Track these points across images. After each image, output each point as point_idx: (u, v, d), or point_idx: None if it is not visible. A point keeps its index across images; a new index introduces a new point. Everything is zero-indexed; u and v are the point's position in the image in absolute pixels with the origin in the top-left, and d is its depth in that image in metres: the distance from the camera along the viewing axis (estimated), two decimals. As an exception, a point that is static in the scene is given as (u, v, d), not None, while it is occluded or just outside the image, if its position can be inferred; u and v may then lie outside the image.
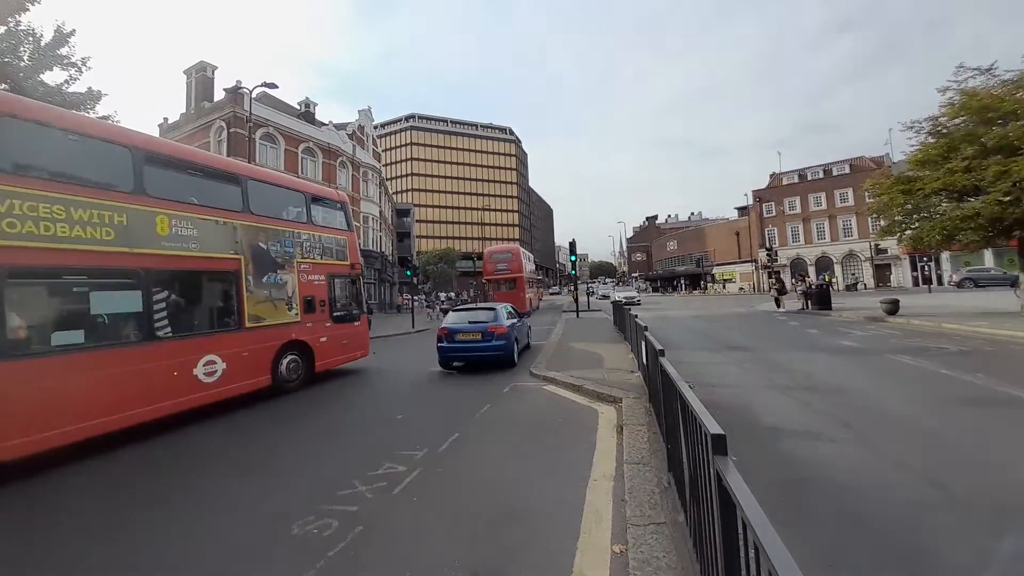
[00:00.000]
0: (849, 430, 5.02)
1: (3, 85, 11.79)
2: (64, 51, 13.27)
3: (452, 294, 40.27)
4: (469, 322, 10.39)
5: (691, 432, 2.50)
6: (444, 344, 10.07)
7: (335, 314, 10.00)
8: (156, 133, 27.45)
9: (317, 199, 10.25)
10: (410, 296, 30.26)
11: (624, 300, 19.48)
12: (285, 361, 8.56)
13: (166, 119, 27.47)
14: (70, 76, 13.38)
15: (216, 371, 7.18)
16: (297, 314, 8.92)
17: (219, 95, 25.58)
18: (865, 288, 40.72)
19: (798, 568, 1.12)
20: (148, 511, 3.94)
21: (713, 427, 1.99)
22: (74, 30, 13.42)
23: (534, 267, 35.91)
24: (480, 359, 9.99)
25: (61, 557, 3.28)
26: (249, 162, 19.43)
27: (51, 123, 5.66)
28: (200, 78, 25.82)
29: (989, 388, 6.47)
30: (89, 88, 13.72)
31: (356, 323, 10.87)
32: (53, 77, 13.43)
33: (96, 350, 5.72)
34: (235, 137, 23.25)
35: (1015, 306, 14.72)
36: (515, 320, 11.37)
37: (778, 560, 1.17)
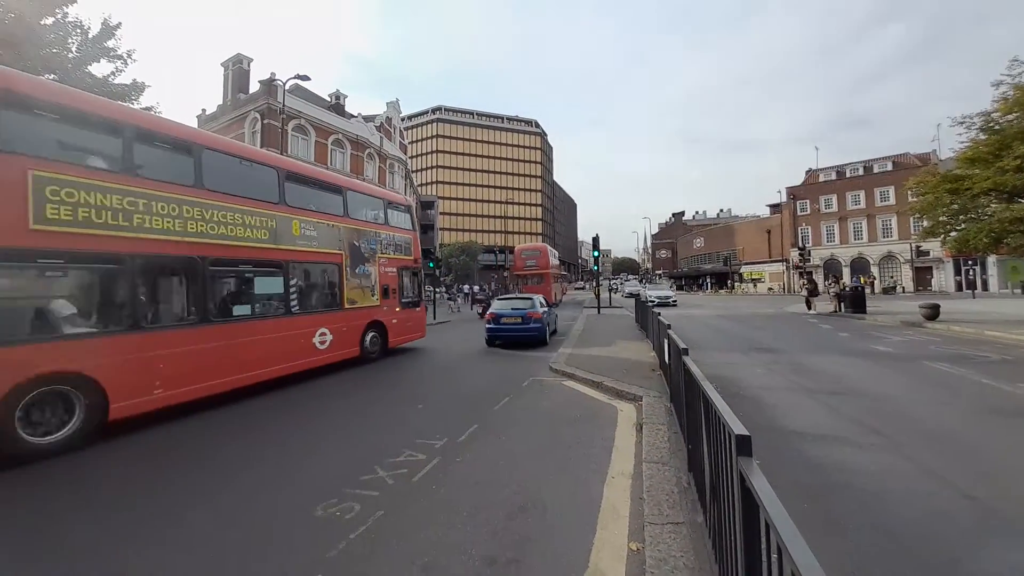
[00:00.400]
0: (879, 437, 4.86)
1: (51, 75, 12.38)
2: (111, 43, 13.81)
3: (483, 286, 40.95)
4: (512, 308, 12.68)
5: (714, 432, 2.47)
6: (492, 325, 12.41)
7: (403, 300, 11.97)
8: (195, 124, 28.45)
9: (391, 204, 12.14)
10: (432, 288, 30.96)
11: (656, 300, 19.95)
12: (368, 337, 10.60)
13: (204, 110, 28.42)
14: (116, 68, 13.92)
15: (326, 341, 9.22)
16: (377, 299, 10.92)
17: (254, 87, 26.29)
18: (903, 291, 38.95)
19: (822, 570, 1.11)
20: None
21: (738, 428, 1.96)
22: (120, 23, 13.96)
23: (559, 263, 38.10)
24: (519, 338, 12.29)
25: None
26: (281, 153, 19.94)
27: (229, 152, 7.73)
28: (236, 70, 26.56)
29: (1035, 400, 6.13)
30: (134, 80, 14.29)
31: (417, 309, 12.87)
32: (100, 69, 14.01)
33: (258, 320, 7.79)
34: (268, 128, 23.87)
35: (1069, 315, 13.87)
36: (546, 309, 13.51)
37: (802, 561, 1.15)
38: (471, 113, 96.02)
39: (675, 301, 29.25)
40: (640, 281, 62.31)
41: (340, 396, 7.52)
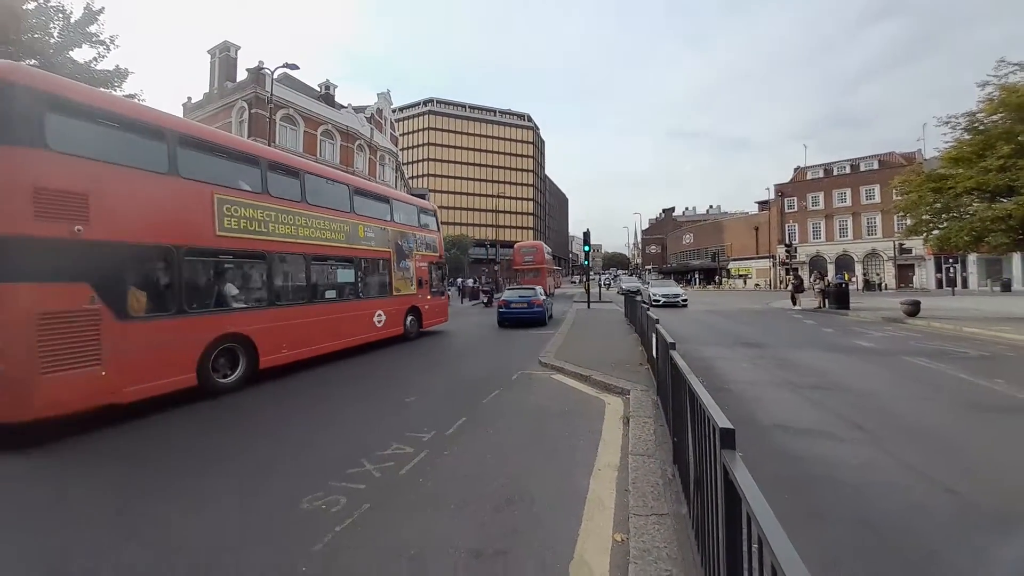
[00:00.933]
0: (860, 431, 4.95)
1: (33, 60, 12.00)
2: (93, 28, 13.43)
3: (475, 279, 41.73)
4: (519, 296, 16.12)
5: (698, 425, 2.49)
6: (503, 310, 15.72)
7: (432, 290, 14.27)
8: (180, 112, 27.82)
9: (423, 210, 14.39)
10: None
11: (662, 299, 20.53)
12: (408, 319, 12.84)
13: (190, 98, 27.81)
14: (98, 54, 13.56)
15: (381, 320, 11.49)
16: (414, 289, 13.15)
17: (241, 75, 25.76)
18: (886, 288, 39.73)
19: (801, 561, 1.12)
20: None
21: (722, 421, 1.98)
22: (103, 8, 13.57)
23: (553, 259, 42.68)
24: (525, 319, 15.50)
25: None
26: (269, 143, 19.58)
27: (320, 174, 10.00)
28: (223, 58, 25.99)
29: (1009, 395, 6.30)
30: (117, 66, 13.92)
31: (442, 297, 15.40)
32: (82, 54, 13.64)
33: (339, 303, 10.09)
34: (256, 118, 23.43)
35: (1044, 312, 14.25)
36: (544, 297, 16.78)
37: (782, 553, 1.16)
38: (463, 106, 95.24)
39: (685, 301, 23.00)
40: (639, 276, 61.25)
41: (349, 383, 7.81)
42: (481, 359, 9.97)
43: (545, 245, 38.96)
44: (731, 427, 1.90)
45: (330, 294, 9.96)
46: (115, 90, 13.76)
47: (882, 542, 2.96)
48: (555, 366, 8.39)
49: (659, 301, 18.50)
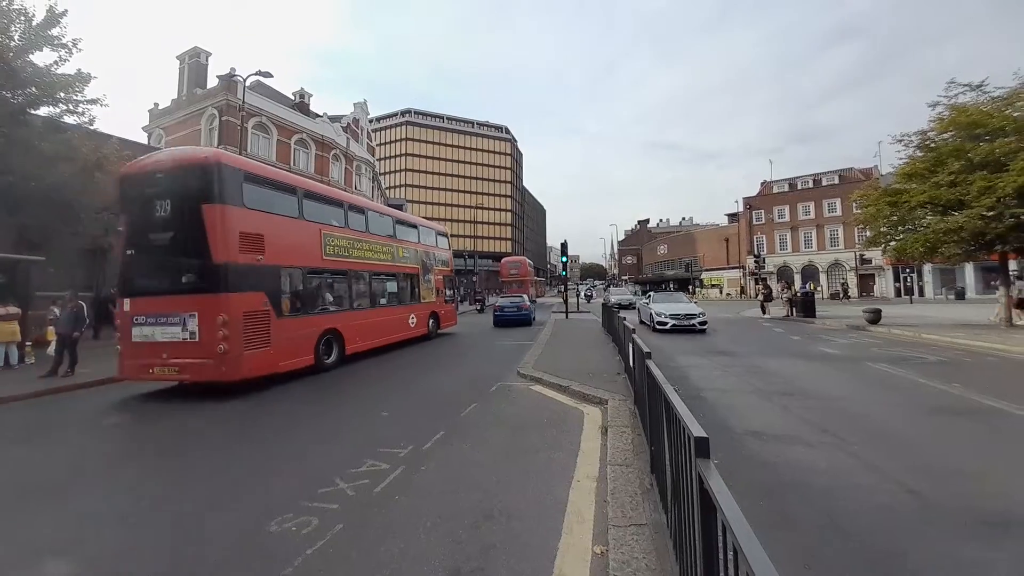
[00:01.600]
0: (828, 435, 5.10)
1: None
2: (55, 31, 12.94)
3: (455, 289, 43.24)
4: (510, 303, 20.08)
5: (675, 434, 2.51)
6: (498, 312, 19.77)
7: (445, 299, 17.32)
8: (146, 118, 26.95)
9: (439, 233, 17.87)
10: None
11: (671, 322, 15.32)
12: (431, 322, 15.80)
13: (156, 104, 26.95)
14: (60, 57, 13.06)
15: (413, 322, 14.42)
16: (434, 297, 16.11)
17: (212, 82, 25.17)
18: (849, 297, 41.44)
19: (776, 571, 1.13)
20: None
21: (696, 430, 2.00)
22: (66, 10, 13.11)
23: (534, 271, 49.42)
24: (516, 320, 19.41)
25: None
26: (240, 152, 19.12)
27: (375, 210, 13.30)
28: (193, 64, 25.37)
29: (965, 398, 6.62)
30: (78, 70, 13.39)
31: (451, 304, 18.34)
32: (43, 57, 13.09)
33: (387, 307, 12.99)
34: (227, 126, 22.90)
35: (994, 318, 15.09)
36: (529, 304, 20.93)
37: (756, 563, 1.17)
38: (441, 117, 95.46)
39: (704, 323, 15.68)
40: (607, 287, 61.67)
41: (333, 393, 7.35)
42: (467, 365, 10.73)
43: (528, 260, 44.88)
44: (705, 436, 1.92)
45: (382, 301, 12.89)
46: (75, 94, 13.26)
47: (852, 545, 3.03)
48: (534, 377, 8.37)
49: (666, 325, 14.95)
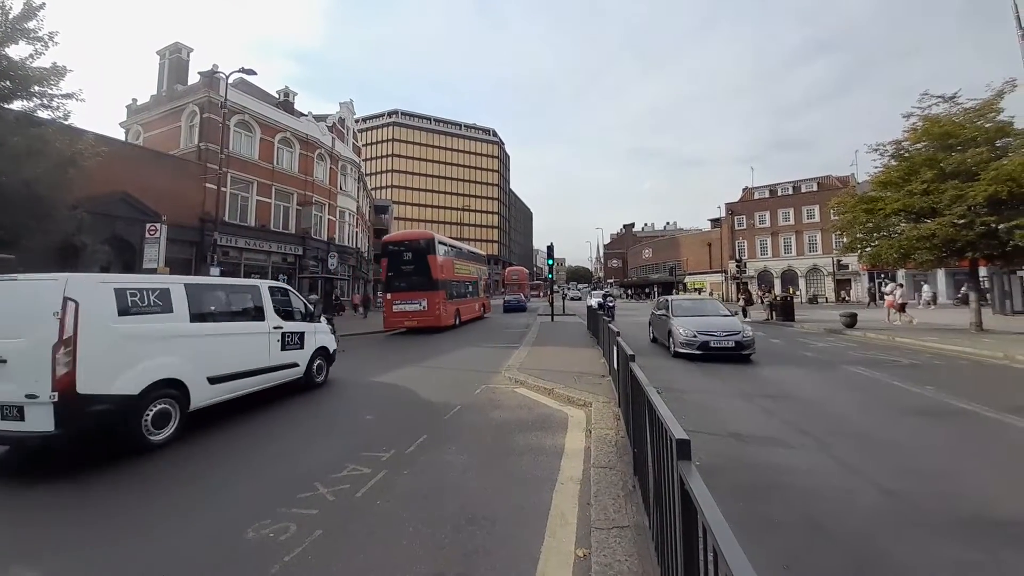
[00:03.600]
0: (807, 437, 5.20)
1: None
2: (32, 24, 12.52)
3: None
4: (513, 297, 35.90)
5: (657, 436, 2.52)
6: (505, 304, 33.80)
7: (480, 295, 26.35)
8: (124, 114, 26.24)
9: (481, 255, 29.11)
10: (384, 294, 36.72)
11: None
12: (481, 310, 25.88)
13: (135, 100, 26.19)
14: (35, 50, 12.63)
15: (476, 308, 24.89)
16: (482, 294, 26.66)
17: (193, 79, 24.61)
18: (826, 301, 42.44)
19: (755, 573, 1.13)
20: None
21: (678, 432, 2.01)
22: (44, 3, 12.70)
23: (529, 277, 63.85)
24: (516, 308, 32.46)
25: None
26: (222, 150, 18.77)
27: (465, 248, 26.33)
28: (174, 60, 24.75)
29: (938, 400, 6.82)
30: (54, 63, 12.95)
31: (485, 298, 28.40)
32: (18, 51, 12.64)
33: (471, 299, 23.92)
34: (208, 123, 22.38)
35: (964, 323, 15.61)
36: (525, 299, 38.06)
37: (736, 565, 1.17)
38: (429, 118, 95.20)
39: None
40: (591, 289, 62.95)
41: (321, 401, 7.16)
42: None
43: (525, 270, 65.00)
44: (687, 438, 1.94)
45: (469, 295, 23.15)
46: (50, 88, 12.85)
47: (832, 546, 3.09)
48: (518, 379, 8.35)
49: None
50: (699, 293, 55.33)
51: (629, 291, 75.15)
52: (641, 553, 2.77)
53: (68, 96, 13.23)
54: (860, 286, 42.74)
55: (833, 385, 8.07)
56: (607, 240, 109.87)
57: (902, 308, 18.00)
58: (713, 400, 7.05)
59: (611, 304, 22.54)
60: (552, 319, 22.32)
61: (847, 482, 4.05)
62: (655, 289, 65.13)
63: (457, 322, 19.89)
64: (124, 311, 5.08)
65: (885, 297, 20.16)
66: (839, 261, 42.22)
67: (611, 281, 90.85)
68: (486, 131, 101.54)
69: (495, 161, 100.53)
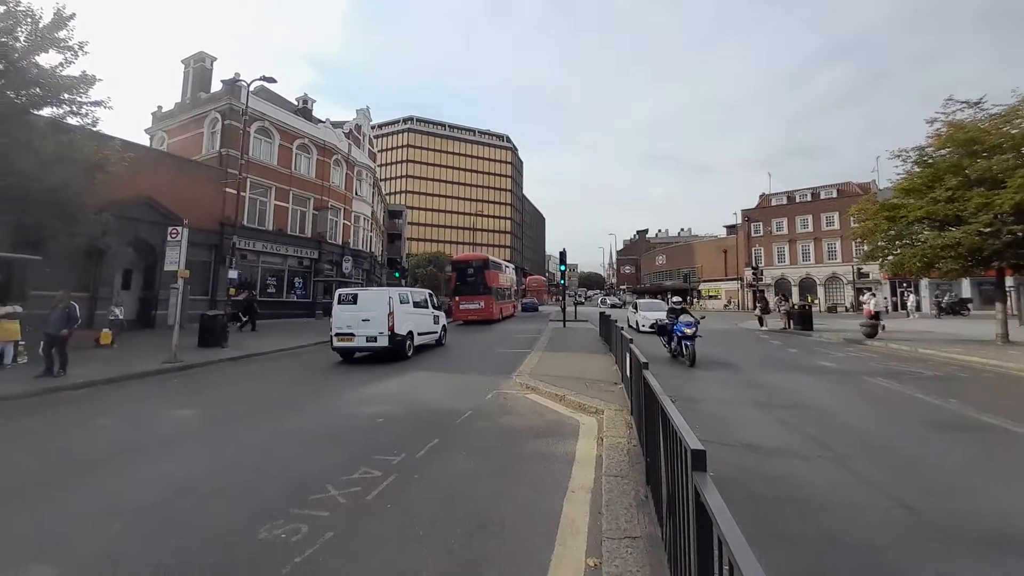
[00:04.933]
0: (825, 450, 5.07)
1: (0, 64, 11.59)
2: (62, 34, 13.02)
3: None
4: (529, 301, 46.01)
5: (671, 446, 2.49)
6: (523, 304, 42.68)
7: (512, 299, 35.42)
8: (149, 121, 27.05)
9: (512, 267, 39.35)
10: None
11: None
12: (513, 309, 34.54)
13: (160, 107, 27.03)
14: (65, 59, 13.13)
15: (511, 309, 33.47)
16: (513, 298, 36.28)
17: (216, 87, 25.29)
18: (845, 311, 41.51)
19: (770, 589, 1.11)
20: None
21: (693, 443, 1.98)
22: (74, 13, 13.21)
23: (546, 283, 72.10)
24: (530, 308, 43.43)
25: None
26: (242, 155, 19.18)
27: (503, 263, 36.53)
28: (198, 68, 25.50)
29: (961, 414, 6.59)
30: (83, 72, 13.44)
31: (515, 301, 37.88)
32: (48, 59, 13.15)
33: (507, 300, 32.17)
34: (229, 129, 22.97)
35: (990, 334, 15.11)
36: (538, 302, 50.12)
37: (751, 580, 1.15)
38: (443, 124, 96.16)
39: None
40: (607, 295, 63.64)
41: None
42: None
43: (542, 278, 73.19)
44: (702, 448, 1.91)
45: (507, 298, 31.53)
46: (79, 96, 13.33)
47: (849, 561, 3.00)
48: (529, 385, 8.32)
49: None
50: (720, 302, 54.60)
51: (644, 298, 74.41)
52: (653, 564, 2.73)
53: (96, 104, 13.69)
54: (880, 295, 41.72)
55: (851, 396, 7.86)
56: (620, 246, 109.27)
57: (876, 316, 17.24)
58: (727, 410, 6.93)
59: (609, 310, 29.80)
60: (564, 325, 22.23)
61: (865, 497, 3.94)
62: (667, 297, 64.47)
63: (500, 317, 28.41)
64: (404, 301, 12.70)
65: (863, 306, 20.17)
66: (859, 269, 41.27)
67: (623, 287, 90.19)
68: (499, 137, 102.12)
69: (508, 167, 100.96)
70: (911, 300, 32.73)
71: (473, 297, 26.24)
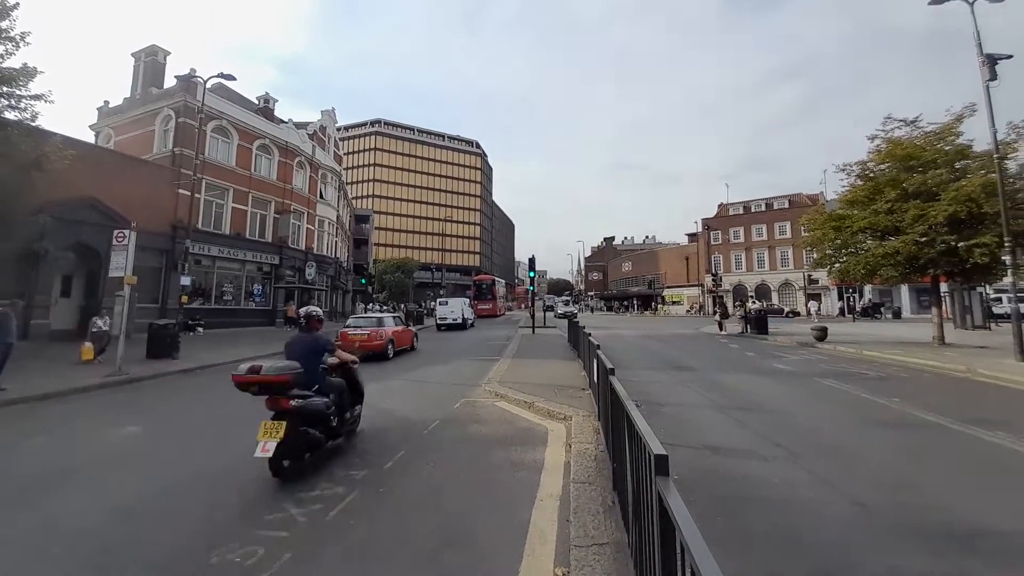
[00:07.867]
0: (780, 449, 5.28)
1: None
2: (4, 24, 12.12)
3: (421, 303, 55.62)
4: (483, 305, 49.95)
5: (636, 451, 2.52)
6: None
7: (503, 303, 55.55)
8: (95, 116, 25.44)
9: (502, 281, 60.28)
10: (363, 305, 43.42)
11: (564, 313, 41.28)
12: (504, 311, 53.00)
13: (106, 102, 25.47)
14: (5, 50, 12.22)
15: (502, 308, 50.93)
16: (505, 303, 57.79)
17: (169, 83, 24.09)
18: (798, 315, 43.68)
19: (730, 594, 1.13)
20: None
21: (656, 447, 2.01)
22: (18, 3, 12.33)
23: (526, 291, 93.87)
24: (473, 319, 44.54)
25: None
26: (197, 155, 18.32)
27: (496, 279, 54.46)
28: (150, 62, 24.22)
29: (904, 412, 7.04)
30: (24, 64, 12.54)
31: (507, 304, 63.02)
32: None
33: (501, 304, 52.00)
34: (183, 128, 21.90)
35: (927, 336, 16.25)
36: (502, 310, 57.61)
37: (712, 586, 1.18)
38: (411, 128, 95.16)
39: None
40: (566, 302, 65.46)
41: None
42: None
43: (528, 287, 78.68)
44: (665, 453, 1.94)
45: (505, 304, 55.95)
46: (18, 89, 12.42)
47: (806, 558, 3.12)
48: (498, 393, 8.29)
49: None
50: (682, 307, 56.30)
51: (611, 304, 75.92)
52: (620, 571, 2.75)
53: (37, 97, 12.84)
54: (830, 300, 44.20)
55: (805, 397, 8.26)
56: (588, 253, 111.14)
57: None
58: (690, 413, 7.12)
59: (574, 312, 33.78)
60: (533, 331, 22.32)
61: (819, 494, 4.13)
62: (634, 302, 66.09)
63: (501, 314, 44.41)
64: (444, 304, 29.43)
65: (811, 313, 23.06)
66: (810, 276, 43.61)
67: (591, 294, 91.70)
68: (469, 142, 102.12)
69: (478, 172, 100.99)
70: (812, 305, 34.88)
71: (486, 302, 43.53)
